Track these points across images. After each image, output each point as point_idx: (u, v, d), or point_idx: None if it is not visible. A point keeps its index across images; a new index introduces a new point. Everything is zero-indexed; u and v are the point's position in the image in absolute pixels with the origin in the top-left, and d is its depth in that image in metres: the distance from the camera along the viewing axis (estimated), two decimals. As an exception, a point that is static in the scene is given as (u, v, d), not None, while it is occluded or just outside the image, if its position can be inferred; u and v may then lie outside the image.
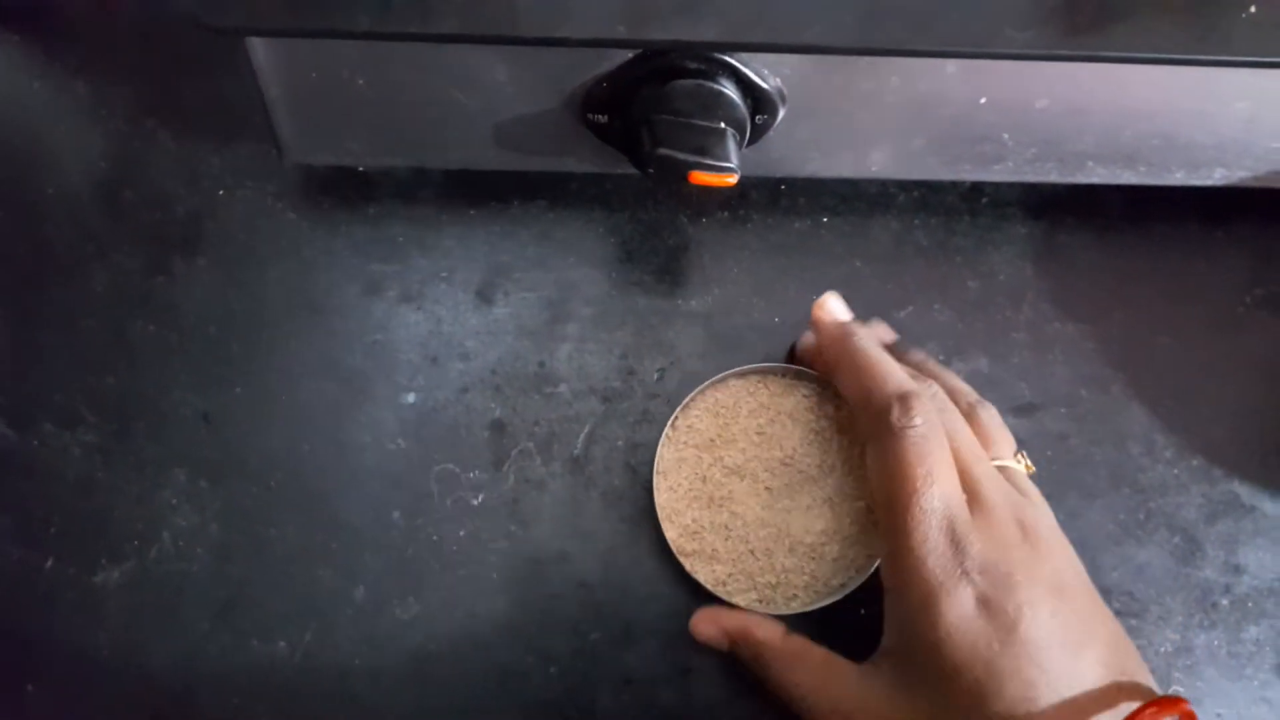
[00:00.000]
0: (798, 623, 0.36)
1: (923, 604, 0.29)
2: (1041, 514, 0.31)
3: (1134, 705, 0.27)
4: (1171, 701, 0.27)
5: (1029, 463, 0.35)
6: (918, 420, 0.30)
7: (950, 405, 0.33)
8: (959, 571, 0.28)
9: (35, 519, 0.38)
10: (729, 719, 0.36)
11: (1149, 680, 0.29)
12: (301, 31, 0.33)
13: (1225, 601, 0.38)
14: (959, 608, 0.28)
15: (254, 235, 0.42)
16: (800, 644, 0.33)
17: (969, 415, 0.33)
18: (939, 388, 0.33)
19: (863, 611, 0.35)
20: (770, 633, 0.33)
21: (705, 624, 0.34)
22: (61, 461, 0.39)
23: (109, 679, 0.36)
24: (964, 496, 0.30)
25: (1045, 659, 0.28)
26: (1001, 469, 0.33)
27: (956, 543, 0.29)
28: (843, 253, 0.42)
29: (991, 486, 0.30)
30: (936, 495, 0.29)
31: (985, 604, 0.28)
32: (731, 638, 0.34)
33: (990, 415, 0.34)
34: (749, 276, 0.42)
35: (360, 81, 0.35)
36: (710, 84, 0.34)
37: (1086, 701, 0.27)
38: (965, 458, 0.31)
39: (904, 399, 0.31)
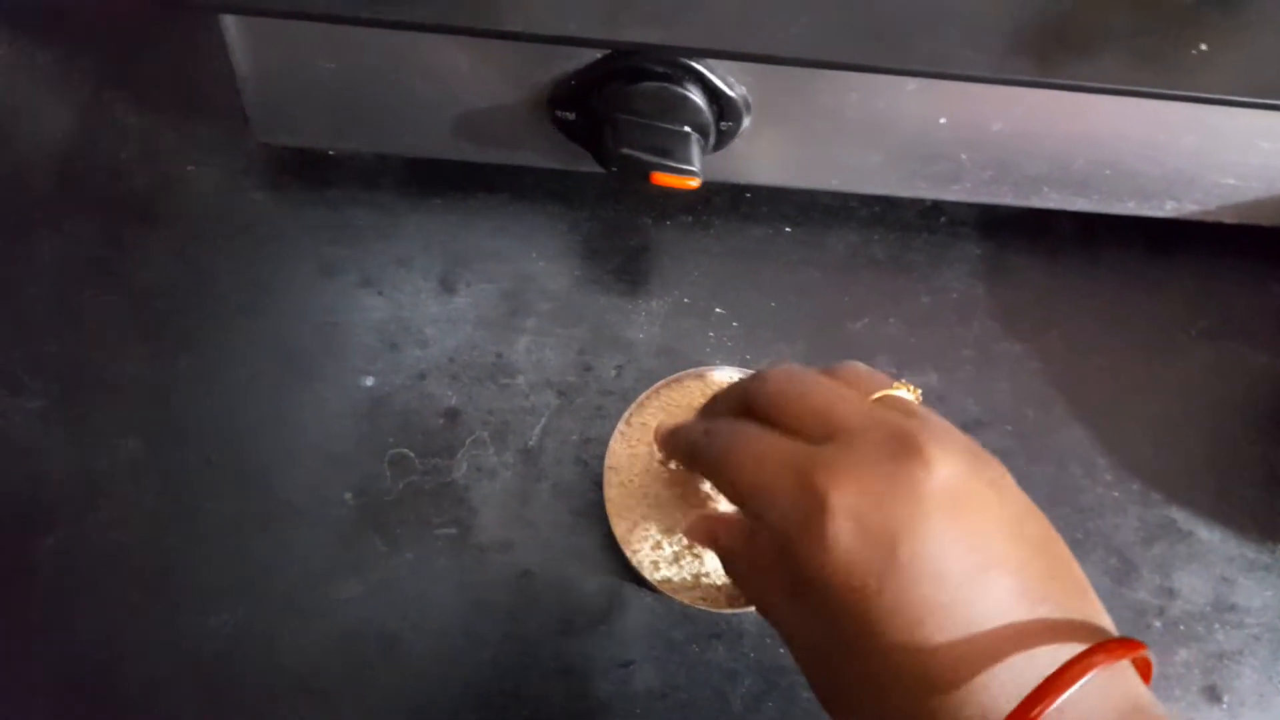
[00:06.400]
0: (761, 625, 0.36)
1: (797, 550, 0.26)
2: (932, 430, 0.27)
3: (1067, 648, 0.23)
4: (1122, 644, 0.22)
5: (913, 388, 0.32)
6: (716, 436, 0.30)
7: (775, 389, 0.31)
8: (817, 507, 0.26)
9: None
10: (663, 712, 0.36)
11: (1102, 620, 0.25)
12: (271, 11, 0.33)
13: (1158, 623, 0.38)
14: (830, 542, 0.25)
15: (213, 211, 0.42)
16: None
17: (828, 374, 0.31)
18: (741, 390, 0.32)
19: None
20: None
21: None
22: (2, 426, 0.38)
23: (35, 644, 0.36)
24: (808, 445, 0.28)
25: (933, 587, 0.24)
26: (880, 400, 0.30)
27: (805, 482, 0.26)
28: (800, 261, 0.43)
29: (856, 419, 0.28)
30: (763, 454, 0.28)
31: (859, 532, 0.25)
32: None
33: (848, 366, 0.32)
34: (708, 280, 0.42)
35: (329, 65, 0.36)
36: (676, 87, 0.34)
37: (996, 639, 0.23)
38: (817, 402, 0.29)
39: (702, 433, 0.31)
